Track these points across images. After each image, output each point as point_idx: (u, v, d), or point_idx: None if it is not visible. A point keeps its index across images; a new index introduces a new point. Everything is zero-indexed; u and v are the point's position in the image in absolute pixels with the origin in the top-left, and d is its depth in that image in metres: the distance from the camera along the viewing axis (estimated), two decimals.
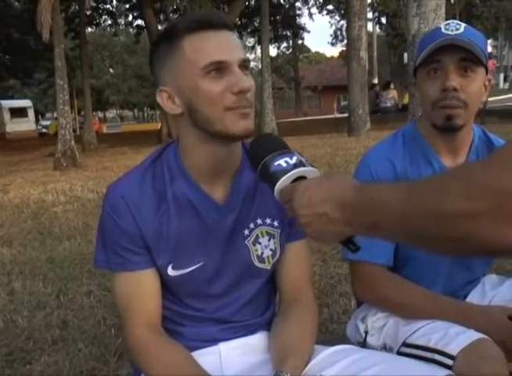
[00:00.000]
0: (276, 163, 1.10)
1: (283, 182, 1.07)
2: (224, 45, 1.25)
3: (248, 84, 1.24)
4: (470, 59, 1.52)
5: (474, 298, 1.74)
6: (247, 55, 1.31)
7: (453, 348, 1.36)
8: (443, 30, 1.55)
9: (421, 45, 1.59)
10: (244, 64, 1.27)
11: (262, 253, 1.43)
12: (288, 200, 1.05)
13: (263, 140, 1.20)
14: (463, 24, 1.56)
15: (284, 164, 1.09)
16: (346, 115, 15.75)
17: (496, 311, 1.51)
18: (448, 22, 1.58)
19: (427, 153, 1.63)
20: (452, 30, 1.53)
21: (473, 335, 1.38)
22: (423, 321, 1.51)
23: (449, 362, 1.34)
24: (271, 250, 1.44)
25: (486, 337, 1.38)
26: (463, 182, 0.76)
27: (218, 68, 1.23)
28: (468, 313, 1.50)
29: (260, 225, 1.42)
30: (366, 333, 1.64)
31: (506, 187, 0.69)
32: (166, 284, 1.39)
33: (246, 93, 1.24)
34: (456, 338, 1.38)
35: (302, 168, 1.08)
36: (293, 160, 1.09)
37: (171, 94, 1.29)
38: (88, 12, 23.37)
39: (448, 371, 1.23)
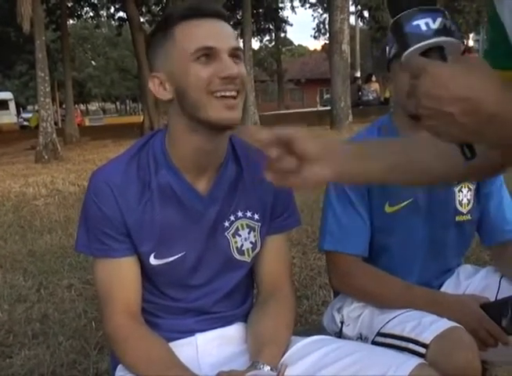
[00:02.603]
0: (415, 23, 0.88)
1: (414, 50, 0.88)
2: (214, 32, 1.28)
3: (236, 71, 1.26)
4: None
5: (448, 287, 1.77)
6: None
7: (426, 337, 1.38)
8: None
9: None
10: (235, 53, 1.29)
11: (242, 245, 1.44)
12: (414, 77, 0.86)
13: None
14: None
15: (424, 28, 0.88)
16: (328, 108, 15.78)
17: (468, 300, 1.53)
18: None
19: None
20: None
21: (446, 324, 1.41)
22: (397, 311, 1.54)
23: (422, 350, 1.37)
24: (251, 242, 1.45)
25: (459, 325, 1.41)
26: None
27: (207, 54, 1.25)
28: (441, 302, 1.53)
29: (240, 217, 1.43)
30: (342, 323, 1.66)
31: None
32: (146, 274, 1.40)
33: (233, 79, 1.26)
34: (429, 326, 1.41)
35: (443, 38, 0.88)
36: (436, 25, 0.88)
37: (162, 80, 1.32)
38: (70, 4, 23.22)
39: (420, 360, 1.26)
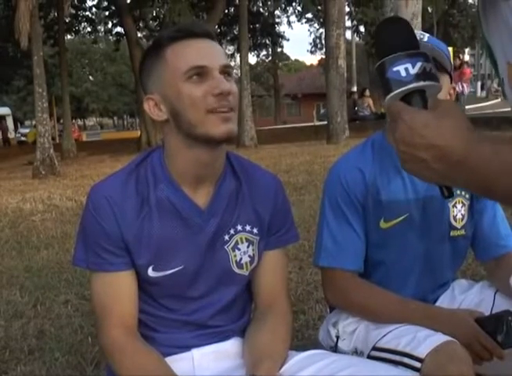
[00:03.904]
0: (395, 69, 0.92)
1: (396, 94, 0.92)
2: (204, 51, 1.31)
3: (228, 87, 1.29)
4: (434, 66, 1.56)
5: (443, 302, 1.77)
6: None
7: (421, 351, 1.39)
8: None
9: None
10: (226, 70, 1.32)
11: (241, 259, 1.45)
12: (392, 121, 0.91)
13: (394, 28, 0.97)
14: (427, 34, 1.62)
15: (403, 74, 0.91)
16: (325, 123, 15.81)
17: (463, 314, 1.55)
18: None
19: (396, 162, 1.66)
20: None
21: (440, 338, 1.42)
22: (392, 325, 1.54)
23: (418, 364, 1.38)
24: (249, 256, 1.46)
25: (453, 340, 1.42)
26: None
27: (199, 73, 1.29)
28: (436, 317, 1.54)
29: (240, 231, 1.45)
30: (338, 338, 1.67)
31: None
32: (143, 285, 1.41)
33: (227, 96, 1.29)
34: (424, 341, 1.42)
35: (421, 83, 0.92)
36: (415, 70, 0.92)
37: (157, 101, 1.35)
38: (68, 19, 23.31)
39: (415, 374, 1.27)
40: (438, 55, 1.56)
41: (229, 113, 1.30)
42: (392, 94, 0.92)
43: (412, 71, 0.91)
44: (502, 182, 0.80)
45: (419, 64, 0.92)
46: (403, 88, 0.91)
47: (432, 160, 0.84)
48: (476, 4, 1.07)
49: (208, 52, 1.32)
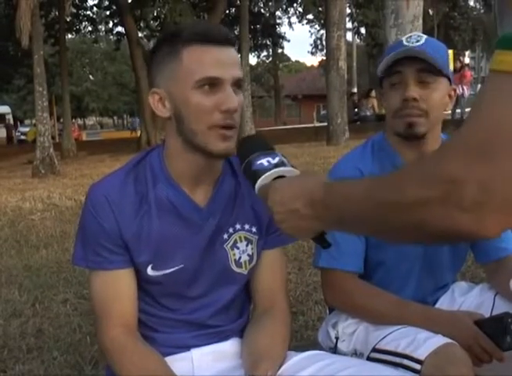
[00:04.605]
0: (259, 162, 1.14)
1: (262, 180, 1.12)
2: (221, 61, 1.28)
3: (235, 105, 1.28)
4: (428, 69, 1.57)
5: (443, 304, 1.77)
6: None
7: (421, 353, 1.39)
8: (404, 42, 1.60)
9: (383, 57, 1.64)
10: (238, 83, 1.31)
11: (240, 258, 1.45)
12: (266, 198, 1.09)
13: (251, 139, 1.25)
14: (425, 36, 1.61)
15: (266, 164, 1.13)
16: (325, 124, 15.82)
17: (462, 316, 1.54)
18: (410, 35, 1.63)
19: (396, 162, 1.66)
20: (412, 43, 1.58)
21: (440, 340, 1.41)
22: (392, 327, 1.54)
23: (417, 366, 1.38)
24: (248, 255, 1.46)
25: (453, 342, 1.41)
26: (416, 173, 0.80)
27: (212, 84, 1.27)
28: (435, 319, 1.53)
29: (239, 230, 1.45)
30: (337, 339, 1.67)
31: (453, 175, 0.72)
32: (143, 284, 1.41)
33: (233, 113, 1.28)
34: (423, 343, 1.42)
35: (282, 168, 1.13)
36: (275, 161, 1.14)
37: (162, 97, 1.33)
38: (68, 19, 23.31)
39: None
40: (432, 59, 1.55)
41: (231, 131, 1.30)
42: (260, 179, 1.13)
43: (273, 162, 1.14)
44: (348, 213, 0.92)
45: (277, 158, 1.15)
46: (268, 173, 1.12)
47: (302, 207, 1.00)
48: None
49: (225, 63, 1.29)
